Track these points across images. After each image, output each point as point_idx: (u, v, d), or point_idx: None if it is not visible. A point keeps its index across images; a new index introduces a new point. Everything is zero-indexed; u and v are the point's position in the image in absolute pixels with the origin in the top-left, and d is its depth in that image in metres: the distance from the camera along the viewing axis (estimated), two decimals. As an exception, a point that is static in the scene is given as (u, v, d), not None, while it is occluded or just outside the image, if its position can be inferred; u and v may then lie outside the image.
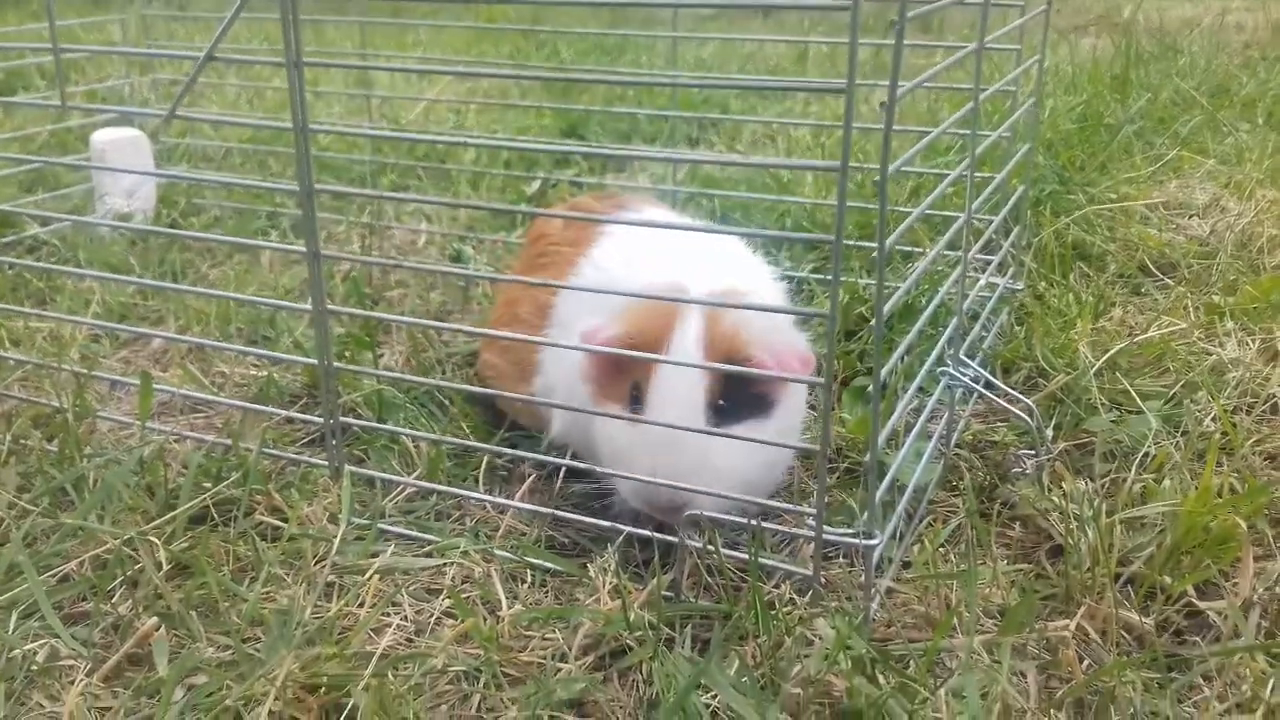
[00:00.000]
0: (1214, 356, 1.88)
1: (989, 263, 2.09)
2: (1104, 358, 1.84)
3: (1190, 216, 2.56)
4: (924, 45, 2.87)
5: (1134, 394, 1.76)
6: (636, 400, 1.40)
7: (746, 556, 1.31)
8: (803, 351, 1.45)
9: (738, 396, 1.39)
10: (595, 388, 1.47)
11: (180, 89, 1.40)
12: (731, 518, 1.33)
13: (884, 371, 1.25)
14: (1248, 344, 1.93)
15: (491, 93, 4.10)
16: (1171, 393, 1.79)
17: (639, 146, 3.41)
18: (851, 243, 2.26)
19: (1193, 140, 3.09)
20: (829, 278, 2.19)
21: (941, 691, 1.12)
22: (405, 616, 1.30)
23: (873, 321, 1.52)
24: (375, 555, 1.40)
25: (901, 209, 2.34)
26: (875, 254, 1.15)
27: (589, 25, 5.24)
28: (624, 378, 1.43)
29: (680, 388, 1.36)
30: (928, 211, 1.88)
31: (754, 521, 1.33)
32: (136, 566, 1.34)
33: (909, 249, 2.31)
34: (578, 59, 4.54)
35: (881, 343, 1.21)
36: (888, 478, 1.36)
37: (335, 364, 1.50)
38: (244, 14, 1.32)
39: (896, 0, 1.08)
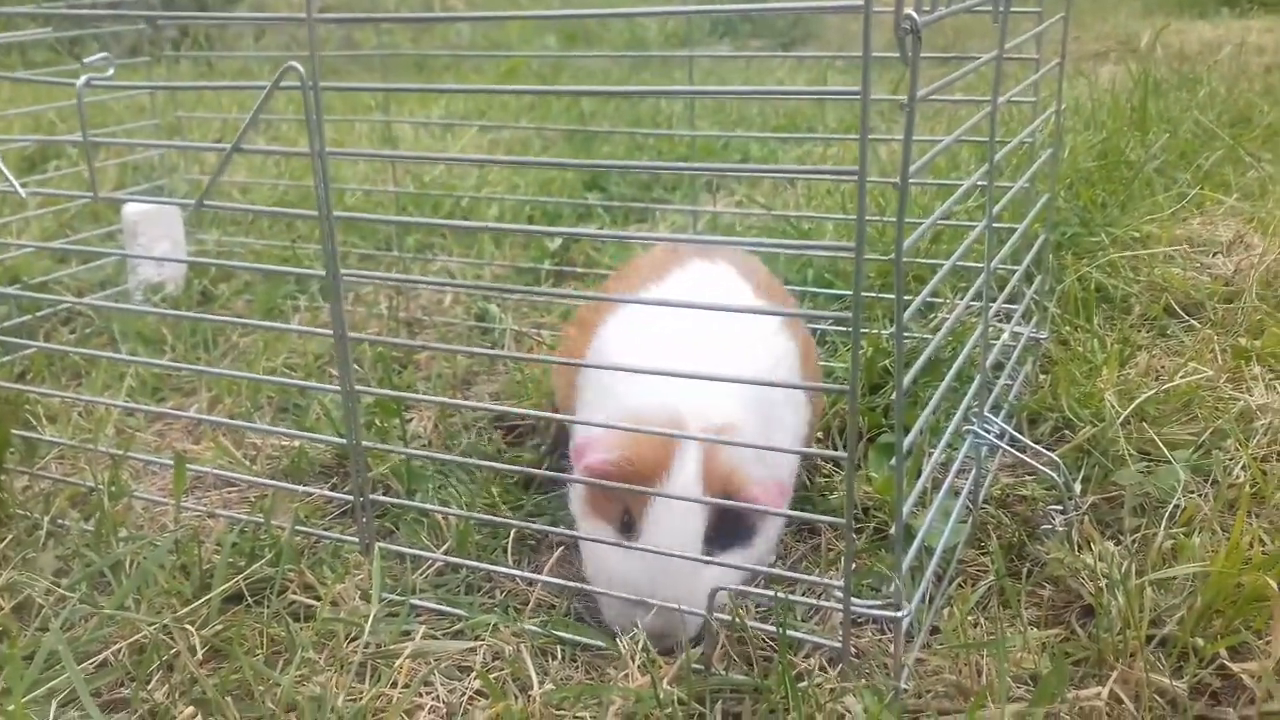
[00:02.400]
0: (1241, 402, 1.87)
1: (1012, 312, 2.09)
2: (1130, 407, 1.83)
3: (1214, 254, 2.55)
4: (941, 100, 2.86)
5: (1161, 444, 1.76)
6: (628, 526, 1.41)
7: (774, 629, 1.31)
8: (783, 482, 1.48)
9: (726, 527, 1.41)
10: (584, 504, 1.48)
11: (209, 179, 1.43)
12: (756, 589, 1.33)
13: (907, 441, 1.25)
14: (1275, 388, 1.92)
15: (513, 146, 4.15)
16: (1200, 441, 1.78)
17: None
18: (872, 294, 2.28)
19: (1215, 174, 3.07)
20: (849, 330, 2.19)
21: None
22: (438, 697, 1.32)
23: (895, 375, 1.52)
24: (407, 633, 1.41)
25: (920, 260, 2.35)
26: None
27: (610, 73, 5.30)
28: (616, 501, 1.43)
29: (678, 521, 1.37)
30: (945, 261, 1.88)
31: (780, 594, 1.33)
32: (172, 651, 1.36)
33: (930, 300, 2.31)
34: (598, 107, 4.58)
35: (902, 415, 1.22)
36: (915, 544, 1.36)
37: (365, 443, 1.53)
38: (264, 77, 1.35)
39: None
